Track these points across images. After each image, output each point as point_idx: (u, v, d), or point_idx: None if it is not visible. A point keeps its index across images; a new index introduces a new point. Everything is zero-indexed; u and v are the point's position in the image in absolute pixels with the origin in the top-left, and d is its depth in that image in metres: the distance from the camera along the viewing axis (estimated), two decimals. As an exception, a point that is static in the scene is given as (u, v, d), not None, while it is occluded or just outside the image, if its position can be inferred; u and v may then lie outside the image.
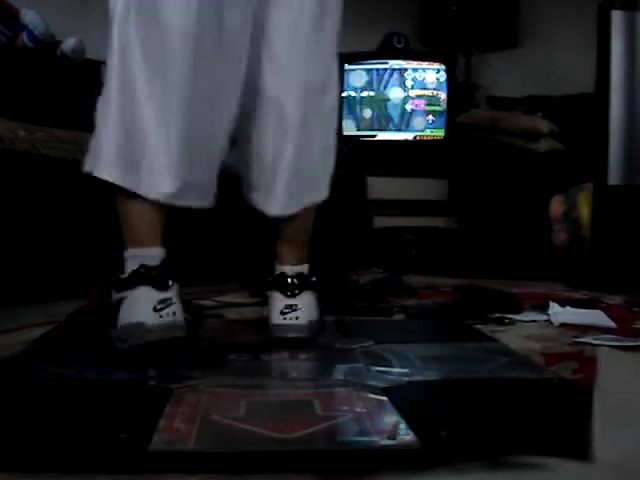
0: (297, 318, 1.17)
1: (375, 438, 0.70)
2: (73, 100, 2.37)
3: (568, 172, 2.81)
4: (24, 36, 2.53)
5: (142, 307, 0.98)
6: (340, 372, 1.02)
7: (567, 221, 2.55)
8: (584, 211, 2.45)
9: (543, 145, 3.03)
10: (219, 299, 1.83)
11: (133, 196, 1.02)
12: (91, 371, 0.98)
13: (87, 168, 1.07)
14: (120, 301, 1.00)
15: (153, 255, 1.01)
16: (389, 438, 0.70)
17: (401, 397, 0.85)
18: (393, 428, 0.74)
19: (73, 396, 0.87)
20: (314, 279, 1.22)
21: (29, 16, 2.54)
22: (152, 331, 0.97)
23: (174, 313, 0.99)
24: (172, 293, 1.00)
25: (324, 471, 0.64)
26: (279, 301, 1.19)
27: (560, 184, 2.72)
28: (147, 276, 0.99)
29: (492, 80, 3.69)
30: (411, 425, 0.73)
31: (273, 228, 1.23)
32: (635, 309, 1.73)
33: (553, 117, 3.12)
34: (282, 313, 1.17)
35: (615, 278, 2.14)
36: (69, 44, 2.58)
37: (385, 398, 0.85)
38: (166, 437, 0.69)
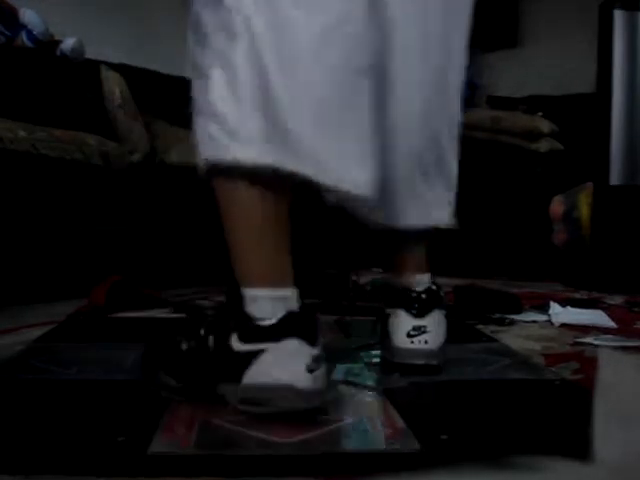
0: (426, 342, 1.00)
1: (375, 440, 0.70)
2: (73, 100, 2.37)
3: (568, 172, 2.81)
4: (23, 36, 2.53)
5: (294, 365, 0.77)
6: (340, 372, 1.01)
7: (567, 221, 2.55)
8: (584, 211, 2.45)
9: (543, 145, 3.03)
10: (219, 299, 1.83)
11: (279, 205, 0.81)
12: (90, 372, 0.98)
13: (213, 154, 0.80)
14: (254, 354, 0.78)
15: (294, 296, 0.82)
16: (389, 441, 0.70)
17: (401, 398, 0.85)
18: (393, 430, 0.73)
19: (72, 398, 0.86)
20: (442, 293, 1.06)
21: (28, 16, 2.54)
22: (308, 395, 0.77)
23: (324, 374, 0.80)
24: (320, 348, 0.80)
25: (324, 474, 0.63)
26: (405, 321, 1.01)
27: (560, 184, 2.72)
28: (297, 326, 0.79)
29: (492, 80, 3.69)
30: (411, 427, 0.73)
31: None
32: (635, 309, 1.73)
33: (553, 117, 3.12)
34: (409, 335, 1.01)
35: (615, 278, 2.14)
36: (68, 44, 2.58)
37: (385, 399, 0.85)
38: (166, 440, 0.69)
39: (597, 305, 1.75)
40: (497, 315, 1.54)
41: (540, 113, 3.16)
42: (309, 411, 0.77)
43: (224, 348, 0.80)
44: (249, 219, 0.81)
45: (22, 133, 1.92)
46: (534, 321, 1.52)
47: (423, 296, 1.02)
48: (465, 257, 2.79)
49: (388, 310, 1.05)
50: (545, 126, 3.05)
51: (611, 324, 1.47)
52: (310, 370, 0.78)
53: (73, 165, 2.00)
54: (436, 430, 0.72)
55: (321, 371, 0.79)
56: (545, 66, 3.47)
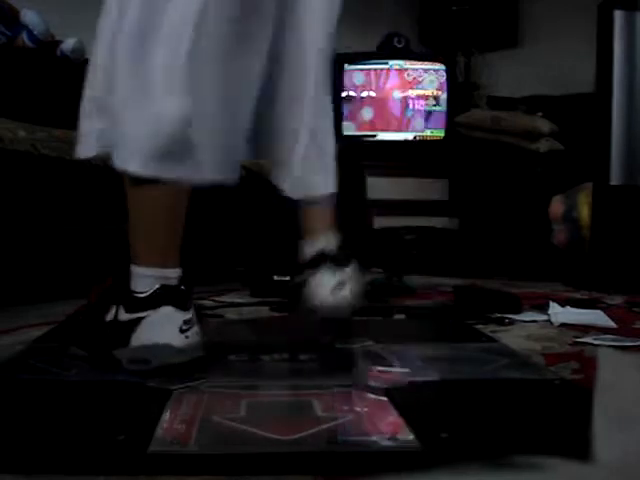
0: (346, 295, 1.13)
1: (375, 439, 0.70)
2: (73, 100, 2.37)
3: (568, 172, 2.81)
4: (24, 36, 2.53)
5: (168, 328, 0.95)
6: (340, 372, 1.01)
7: (567, 221, 2.55)
8: (584, 211, 2.45)
9: (543, 145, 3.03)
10: (219, 299, 1.83)
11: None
12: (90, 372, 0.98)
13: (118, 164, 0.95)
14: (136, 321, 0.95)
15: (174, 275, 0.98)
16: (389, 439, 0.70)
17: (401, 398, 0.85)
18: (393, 429, 0.73)
19: (72, 397, 0.86)
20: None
21: (29, 16, 2.54)
22: (182, 352, 0.95)
23: (197, 333, 0.98)
24: (192, 312, 0.98)
25: (324, 472, 0.64)
26: (328, 277, 1.12)
27: (560, 184, 2.72)
28: (170, 296, 0.96)
29: (492, 80, 3.69)
30: (411, 426, 0.73)
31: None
32: (635, 309, 1.73)
33: (553, 117, 3.12)
34: (331, 291, 1.12)
35: (615, 278, 2.14)
36: (69, 44, 2.58)
37: (385, 399, 0.85)
38: (166, 438, 0.69)
39: (597, 305, 1.75)
40: (497, 315, 1.54)
41: (540, 113, 3.17)
42: (186, 364, 0.93)
43: (114, 319, 0.97)
44: (141, 211, 0.98)
45: (22, 133, 1.92)
46: (534, 321, 1.52)
47: (339, 254, 1.13)
48: (465, 257, 2.79)
49: (305, 274, 1.15)
50: (545, 126, 3.05)
51: (611, 324, 1.47)
52: (182, 331, 0.94)
53: (73, 165, 2.00)
54: (436, 428, 0.72)
55: (192, 331, 0.96)
56: (545, 66, 3.47)
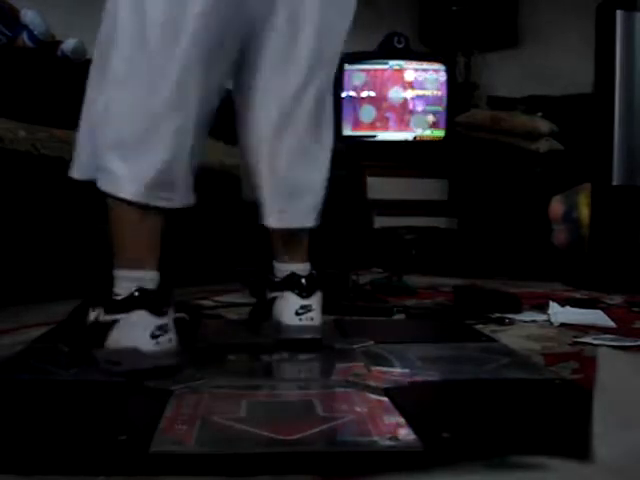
0: (312, 319, 1.15)
1: (376, 439, 0.70)
2: (73, 100, 2.37)
3: (568, 172, 2.81)
4: (24, 36, 2.53)
5: (139, 332, 0.95)
6: (340, 372, 1.01)
7: (567, 221, 2.55)
8: (584, 211, 2.46)
9: (543, 145, 3.03)
10: (219, 299, 1.83)
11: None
12: (90, 372, 0.97)
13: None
14: (111, 323, 0.96)
15: (151, 278, 0.99)
16: (390, 439, 0.70)
17: (402, 398, 0.85)
18: (394, 429, 0.73)
19: (72, 397, 0.86)
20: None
21: (29, 16, 2.54)
22: (149, 358, 0.95)
23: (170, 340, 0.97)
24: (168, 319, 0.98)
25: (325, 473, 0.64)
26: (293, 302, 1.16)
27: (560, 184, 2.72)
28: (144, 300, 0.96)
29: (492, 80, 3.69)
30: (412, 426, 0.73)
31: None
32: (635, 309, 1.73)
33: (553, 117, 3.12)
34: (297, 314, 1.15)
35: (615, 278, 2.14)
36: (69, 44, 2.58)
37: (386, 399, 0.85)
38: (166, 439, 0.69)
39: (597, 305, 1.75)
40: (497, 315, 1.54)
41: (540, 113, 3.17)
42: (157, 369, 0.93)
43: (95, 320, 0.98)
44: (121, 221, 1.01)
45: (22, 133, 1.92)
46: (534, 321, 1.52)
47: (308, 280, 1.17)
48: (465, 257, 2.80)
49: (274, 294, 1.19)
50: (545, 126, 3.05)
51: (610, 324, 1.47)
52: (154, 336, 0.95)
53: (73, 165, 2.01)
54: (437, 428, 0.72)
55: (165, 338, 0.96)
56: (545, 66, 3.47)
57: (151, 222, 1.01)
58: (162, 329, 0.96)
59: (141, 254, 1.00)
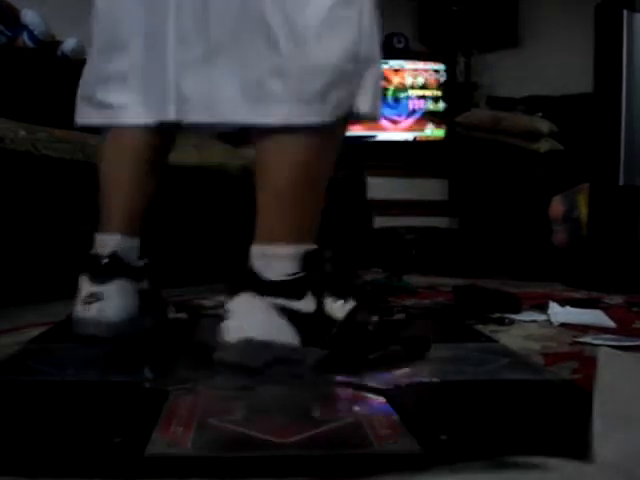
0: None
1: (374, 442, 0.70)
2: (73, 100, 2.37)
3: (568, 172, 2.81)
4: (24, 36, 2.53)
5: (78, 295, 0.94)
6: (339, 374, 1.01)
7: (568, 221, 2.55)
8: (585, 211, 2.45)
9: (543, 145, 3.03)
10: (218, 299, 1.82)
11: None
12: (86, 373, 0.97)
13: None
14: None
15: (104, 243, 0.97)
16: (388, 442, 0.70)
17: (401, 399, 0.85)
18: (392, 431, 0.73)
19: (67, 399, 0.85)
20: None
21: (29, 16, 2.54)
22: (75, 324, 0.94)
23: (101, 310, 0.92)
24: (109, 287, 0.93)
25: (323, 476, 0.63)
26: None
27: (560, 184, 2.72)
28: (86, 265, 0.95)
29: (492, 80, 3.69)
30: (411, 428, 0.73)
31: None
32: (635, 309, 1.73)
33: (553, 117, 3.12)
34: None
35: (615, 278, 2.14)
36: (69, 44, 2.58)
37: (384, 400, 0.85)
38: (163, 441, 0.68)
39: (597, 305, 1.75)
40: (497, 315, 1.54)
41: (540, 113, 3.17)
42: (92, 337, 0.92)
43: None
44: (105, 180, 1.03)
45: (23, 133, 1.92)
46: (533, 321, 1.52)
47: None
48: (465, 257, 2.80)
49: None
50: (545, 126, 3.05)
51: (610, 324, 1.47)
52: (85, 303, 0.93)
53: (74, 165, 2.00)
54: (435, 431, 0.72)
55: (95, 306, 0.92)
56: (545, 66, 3.47)
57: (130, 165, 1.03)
58: (94, 296, 0.93)
59: (110, 213, 1.01)
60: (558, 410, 0.84)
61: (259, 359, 0.84)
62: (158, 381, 0.92)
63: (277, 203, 0.86)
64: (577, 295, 1.95)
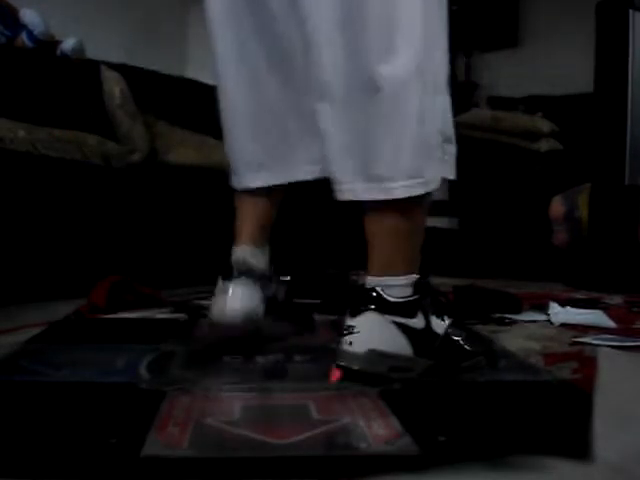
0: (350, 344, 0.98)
1: (372, 443, 0.69)
2: (73, 100, 2.37)
3: (568, 172, 2.81)
4: (24, 36, 2.53)
5: None
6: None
7: (568, 221, 2.55)
8: (585, 211, 2.45)
9: (543, 145, 3.03)
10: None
11: None
12: (82, 373, 0.96)
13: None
14: None
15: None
16: (385, 443, 0.69)
17: (398, 400, 0.85)
18: (390, 432, 0.72)
19: (63, 399, 0.85)
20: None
21: (29, 16, 2.54)
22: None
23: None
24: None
25: (319, 477, 0.63)
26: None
27: (560, 184, 2.72)
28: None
29: (492, 80, 3.69)
30: (409, 429, 0.72)
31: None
32: (635, 309, 1.73)
33: (553, 117, 3.12)
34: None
35: (615, 278, 2.13)
36: (69, 44, 2.58)
37: (382, 401, 0.84)
38: (159, 442, 0.67)
39: (597, 305, 1.75)
40: (497, 315, 1.54)
41: (540, 113, 3.17)
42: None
43: None
44: None
45: (22, 133, 1.92)
46: (534, 321, 1.52)
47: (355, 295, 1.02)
48: (465, 257, 2.79)
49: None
50: (545, 126, 3.05)
51: (611, 324, 1.47)
52: None
53: (73, 165, 2.01)
54: (434, 432, 0.71)
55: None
56: (545, 66, 3.47)
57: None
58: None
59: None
60: (558, 410, 0.84)
61: (383, 366, 0.96)
62: (154, 381, 0.91)
63: (394, 241, 1.04)
64: (577, 295, 1.95)
